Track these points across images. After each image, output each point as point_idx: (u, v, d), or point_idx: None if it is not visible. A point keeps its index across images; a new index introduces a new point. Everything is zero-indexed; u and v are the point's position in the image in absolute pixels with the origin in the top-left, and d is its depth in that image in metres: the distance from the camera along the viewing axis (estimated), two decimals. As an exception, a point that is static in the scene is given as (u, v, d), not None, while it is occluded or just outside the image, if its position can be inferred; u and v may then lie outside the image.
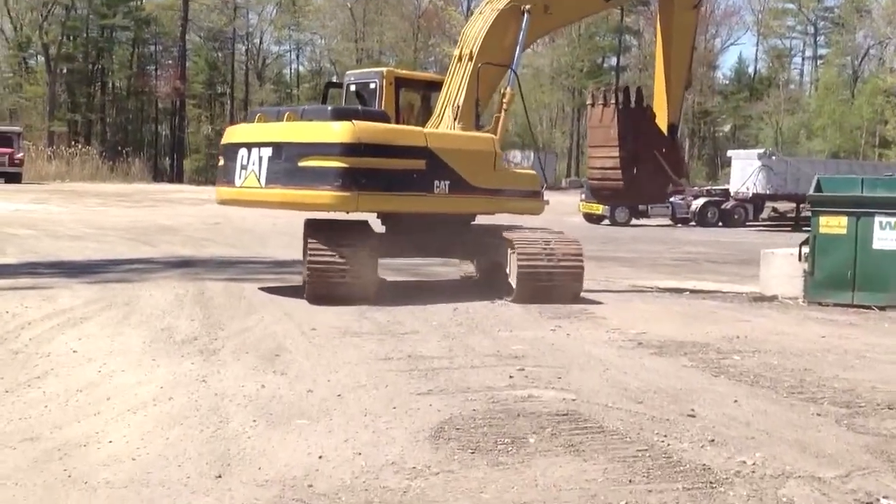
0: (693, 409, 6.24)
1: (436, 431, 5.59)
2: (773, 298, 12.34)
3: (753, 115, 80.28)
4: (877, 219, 11.43)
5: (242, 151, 11.50)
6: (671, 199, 38.57)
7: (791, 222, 39.04)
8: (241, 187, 11.54)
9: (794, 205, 39.29)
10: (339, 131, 10.87)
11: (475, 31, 12.68)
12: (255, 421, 5.85)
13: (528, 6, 12.50)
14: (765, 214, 39.89)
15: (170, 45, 76.96)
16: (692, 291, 13.74)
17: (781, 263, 12.63)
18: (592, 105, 14.68)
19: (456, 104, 12.24)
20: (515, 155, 70.64)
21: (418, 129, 11.80)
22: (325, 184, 10.77)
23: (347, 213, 11.32)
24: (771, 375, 7.38)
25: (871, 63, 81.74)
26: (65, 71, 70.58)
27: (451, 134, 11.97)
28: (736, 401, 6.52)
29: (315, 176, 10.79)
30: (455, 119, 12.22)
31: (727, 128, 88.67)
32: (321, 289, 10.94)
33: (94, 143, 63.71)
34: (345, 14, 78.79)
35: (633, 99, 14.28)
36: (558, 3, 13.13)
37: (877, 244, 11.43)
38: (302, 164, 10.83)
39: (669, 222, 37.97)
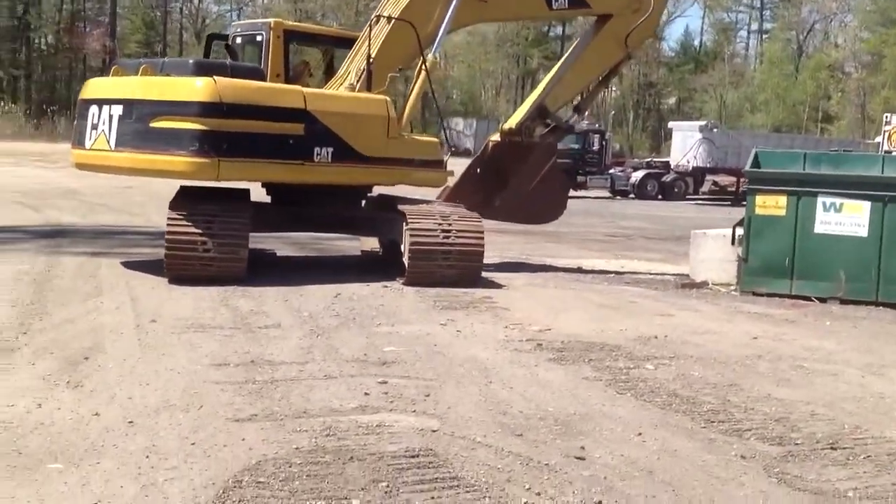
0: (583, 448, 4.83)
1: (225, 489, 4.10)
2: (703, 285, 11.02)
3: (698, 88, 79.58)
4: (820, 199, 10.09)
5: (94, 109, 9.92)
6: (611, 171, 37.50)
7: (731, 196, 38.19)
8: (90, 149, 9.96)
9: (734, 179, 38.45)
10: (198, 88, 9.31)
11: None
12: (-10, 465, 4.32)
13: None
14: (705, 188, 39.00)
15: (101, 0, 73.78)
16: (617, 273, 12.42)
17: (713, 246, 11.30)
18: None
19: (361, 66, 10.79)
20: (458, 122, 69.21)
21: (296, 88, 10.24)
22: (179, 148, 9.23)
23: (216, 181, 9.71)
24: (688, 394, 5.99)
25: (815, 38, 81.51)
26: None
27: (335, 95, 10.48)
28: (640, 433, 5.11)
29: (169, 139, 9.25)
30: (357, 80, 10.75)
31: (672, 100, 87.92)
32: (180, 267, 9.40)
33: (19, 101, 60.81)
34: (285, -28, 76.10)
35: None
36: None
37: (819, 228, 10.11)
38: (154, 124, 9.27)
39: (608, 195, 36.82)
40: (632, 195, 37.13)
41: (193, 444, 4.70)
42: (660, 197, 36.82)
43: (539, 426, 5.19)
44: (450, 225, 10.15)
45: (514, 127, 12.80)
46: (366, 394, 5.71)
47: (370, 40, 10.76)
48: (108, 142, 9.68)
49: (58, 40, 72.66)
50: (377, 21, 11.16)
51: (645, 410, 5.61)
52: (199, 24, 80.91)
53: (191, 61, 10.13)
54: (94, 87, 10.53)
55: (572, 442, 4.93)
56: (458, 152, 41.85)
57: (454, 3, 11.31)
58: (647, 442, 4.99)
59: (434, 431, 5.02)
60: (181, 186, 10.37)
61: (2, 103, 56.69)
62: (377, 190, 11.69)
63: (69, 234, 13.40)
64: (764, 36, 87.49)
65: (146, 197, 21.32)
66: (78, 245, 12.20)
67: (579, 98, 14.07)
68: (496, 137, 13.18)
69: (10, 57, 68.48)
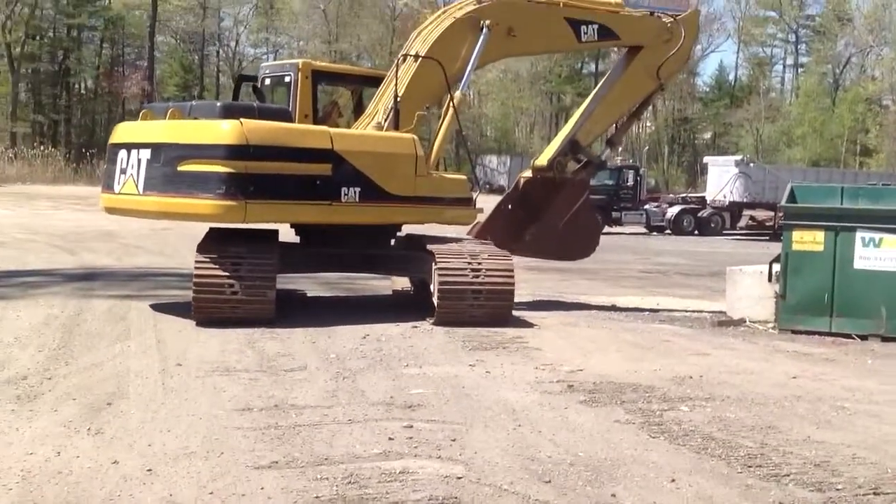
0: (614, 495, 4.65)
1: (239, 540, 3.98)
2: (740, 323, 10.77)
3: (734, 123, 79.11)
4: (858, 234, 9.85)
5: (122, 153, 9.99)
6: (646, 207, 37.23)
7: (769, 232, 37.72)
8: (119, 194, 10.02)
9: (772, 213, 38.01)
10: (225, 131, 9.32)
11: (426, 33, 11.49)
12: (3, 516, 4.23)
13: (488, 22, 11.31)
14: (742, 223, 38.57)
15: (140, 45, 75.10)
16: (652, 311, 12.19)
17: (750, 283, 11.06)
18: None
19: (389, 104, 10.80)
20: (492, 160, 69.34)
21: (322, 128, 10.22)
22: (206, 191, 9.24)
23: (243, 223, 9.71)
24: (724, 437, 5.78)
25: (852, 71, 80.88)
26: (29, 71, 68.56)
27: (362, 134, 10.45)
28: (674, 479, 4.92)
29: (196, 182, 9.26)
30: (385, 118, 10.73)
31: (707, 135, 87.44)
32: (208, 310, 9.36)
33: (59, 145, 61.82)
34: (319, 15, 77.00)
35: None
36: (524, 30, 11.80)
37: (858, 264, 9.86)
38: (181, 168, 9.29)
39: (644, 230, 36.52)
40: (668, 231, 36.80)
41: (211, 493, 4.58)
42: (696, 232, 36.47)
43: (568, 472, 5.01)
44: (479, 264, 10.03)
45: (545, 163, 12.68)
46: (390, 439, 5.57)
47: (397, 79, 10.75)
48: (137, 186, 9.71)
49: (97, 85, 73.96)
50: (404, 59, 11.16)
51: (679, 455, 5.41)
52: (236, 67, 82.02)
53: (218, 104, 10.17)
54: (123, 132, 10.61)
55: (603, 489, 4.75)
56: (492, 189, 41.83)
57: (481, 39, 11.30)
58: (681, 488, 4.80)
59: (459, 478, 4.87)
60: (210, 228, 10.37)
61: (42, 147, 57.55)
62: (406, 228, 11.61)
63: (101, 277, 13.42)
64: (799, 70, 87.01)
65: (182, 238, 21.40)
66: (110, 288, 12.20)
67: (613, 131, 13.95)
68: (528, 174, 13.07)
69: (50, 102, 69.75)
